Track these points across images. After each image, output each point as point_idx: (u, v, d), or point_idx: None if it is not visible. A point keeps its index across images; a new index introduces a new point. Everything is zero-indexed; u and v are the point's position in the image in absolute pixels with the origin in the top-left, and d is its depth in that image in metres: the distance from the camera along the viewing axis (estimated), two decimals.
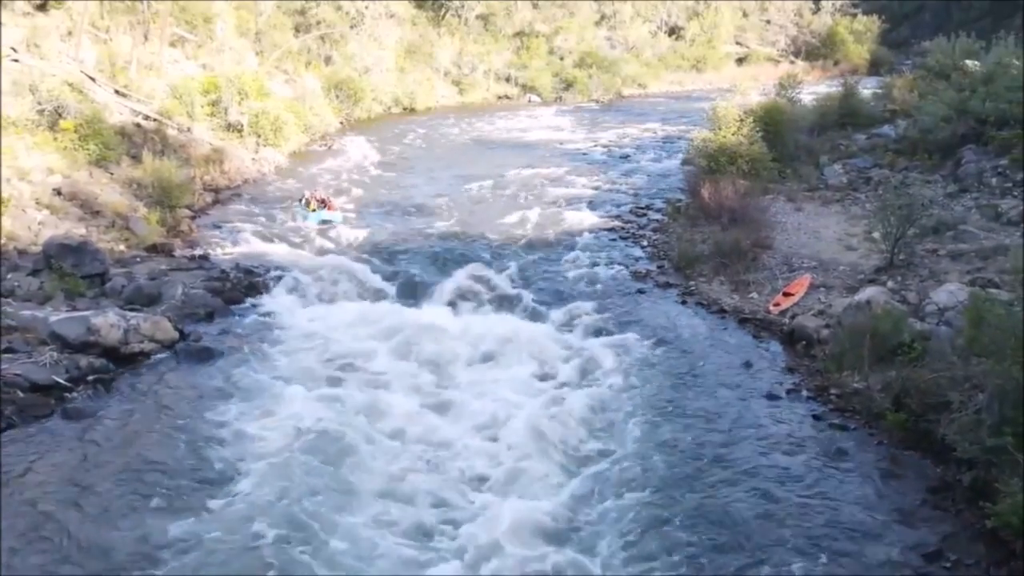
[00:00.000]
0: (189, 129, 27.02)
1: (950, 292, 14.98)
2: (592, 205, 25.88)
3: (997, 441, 10.09)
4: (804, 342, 15.68)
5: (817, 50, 66.42)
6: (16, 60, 23.99)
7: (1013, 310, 12.00)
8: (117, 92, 26.54)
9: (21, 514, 10.37)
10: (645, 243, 22.19)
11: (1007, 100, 22.91)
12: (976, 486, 10.38)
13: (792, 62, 59.88)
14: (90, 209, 20.27)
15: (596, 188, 28.07)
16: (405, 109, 43.21)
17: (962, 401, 11.11)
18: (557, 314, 17.49)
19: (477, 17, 52.56)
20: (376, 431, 12.79)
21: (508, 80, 50.66)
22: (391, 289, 18.76)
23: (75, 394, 13.31)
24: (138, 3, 31.02)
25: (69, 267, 16.67)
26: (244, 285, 18.11)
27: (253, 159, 28.32)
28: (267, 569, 9.68)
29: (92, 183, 21.31)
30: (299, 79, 37.27)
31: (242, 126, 28.80)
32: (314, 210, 23.12)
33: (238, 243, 21.14)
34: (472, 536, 10.40)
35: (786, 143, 26.82)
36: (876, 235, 17.99)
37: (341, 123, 37.70)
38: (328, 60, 41.70)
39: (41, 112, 22.33)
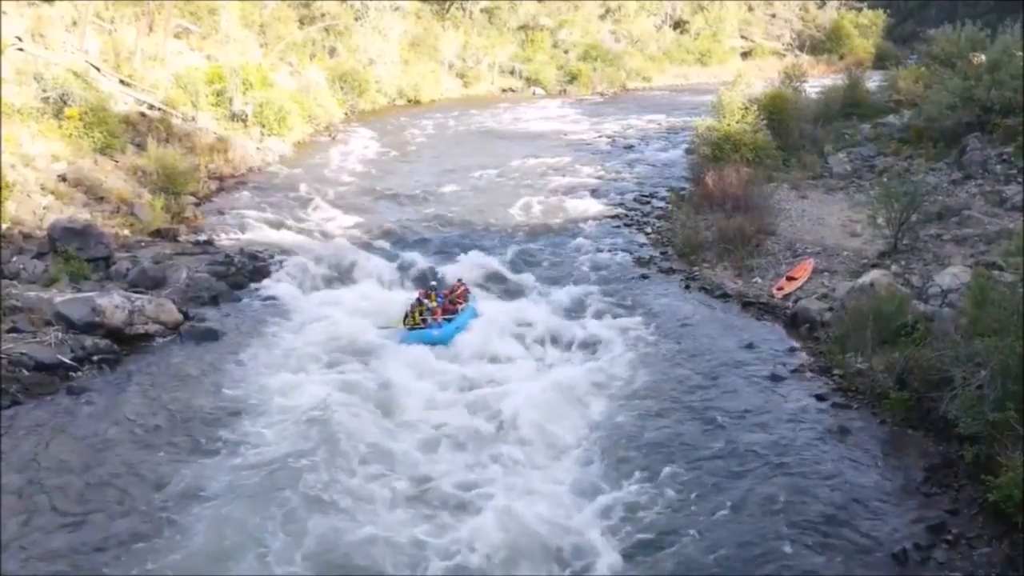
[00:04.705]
0: (194, 118, 27.11)
1: (953, 275, 15.01)
2: (596, 194, 25.92)
3: (999, 416, 10.10)
4: (807, 325, 15.70)
5: (822, 44, 66.33)
6: (21, 49, 24.08)
7: (1016, 289, 12.04)
8: (122, 82, 26.62)
9: (24, 489, 10.41)
10: (649, 230, 22.22)
11: (1012, 88, 22.85)
12: (978, 462, 10.36)
13: (797, 56, 59.68)
14: (95, 195, 20.36)
15: (600, 177, 28.12)
16: (410, 101, 43.24)
17: (964, 378, 11.11)
18: (561, 298, 17.50)
19: (482, 11, 52.60)
20: (377, 413, 12.75)
21: (512, 73, 50.70)
22: (395, 273, 18.81)
23: (80, 373, 13.40)
24: None
25: (74, 250, 16.74)
26: (248, 270, 18.15)
27: (257, 148, 28.40)
28: (254, 553, 9.60)
29: (97, 170, 21.39)
30: (303, 71, 37.33)
31: (246, 116, 28.85)
32: (416, 323, 15.33)
33: (243, 229, 21.21)
34: (468, 525, 10.27)
35: (790, 132, 26.84)
36: (880, 220, 17.98)
37: (346, 115, 37.75)
38: (332, 52, 41.76)
39: (46, 100, 22.43)
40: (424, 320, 15.26)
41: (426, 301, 15.61)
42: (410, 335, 15.07)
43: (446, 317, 15.44)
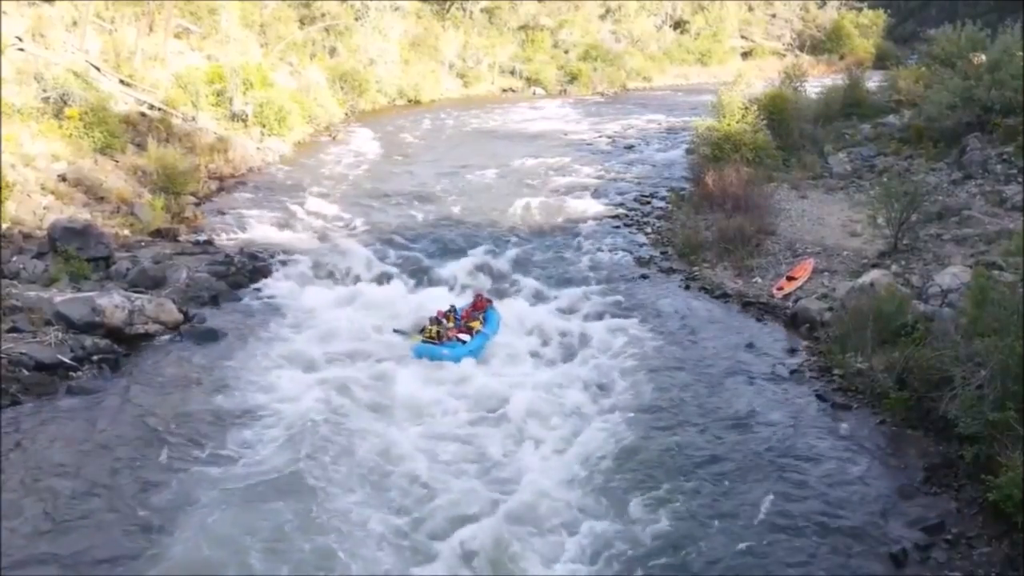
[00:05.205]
0: (194, 118, 27.07)
1: (953, 274, 15.02)
2: (596, 194, 25.91)
3: (999, 415, 10.11)
4: (807, 325, 15.73)
5: (822, 44, 66.23)
6: (22, 49, 24.08)
7: (1016, 289, 12.06)
8: (122, 82, 26.61)
9: (17, 491, 10.37)
10: (649, 230, 22.23)
11: (1012, 88, 22.85)
12: (978, 461, 10.39)
13: (797, 56, 59.62)
14: (95, 195, 20.35)
15: (600, 177, 28.08)
16: (410, 101, 43.16)
17: (964, 377, 11.13)
18: (561, 298, 17.54)
19: (482, 11, 52.53)
20: (374, 424, 12.55)
21: (512, 73, 50.62)
22: (396, 273, 18.79)
23: (80, 373, 13.36)
24: None
25: (74, 250, 16.73)
26: (249, 269, 18.14)
27: (258, 148, 28.35)
28: (234, 571, 9.52)
29: (97, 170, 21.37)
30: (304, 71, 37.32)
31: (246, 116, 28.84)
32: (431, 337, 14.97)
33: (243, 229, 21.17)
34: (466, 524, 10.23)
35: (791, 132, 26.86)
36: (880, 220, 17.99)
37: (346, 114, 37.71)
38: (333, 52, 41.71)
39: (46, 100, 22.41)
40: (439, 336, 14.92)
41: (444, 321, 15.26)
42: (420, 348, 14.74)
43: (460, 338, 15.02)
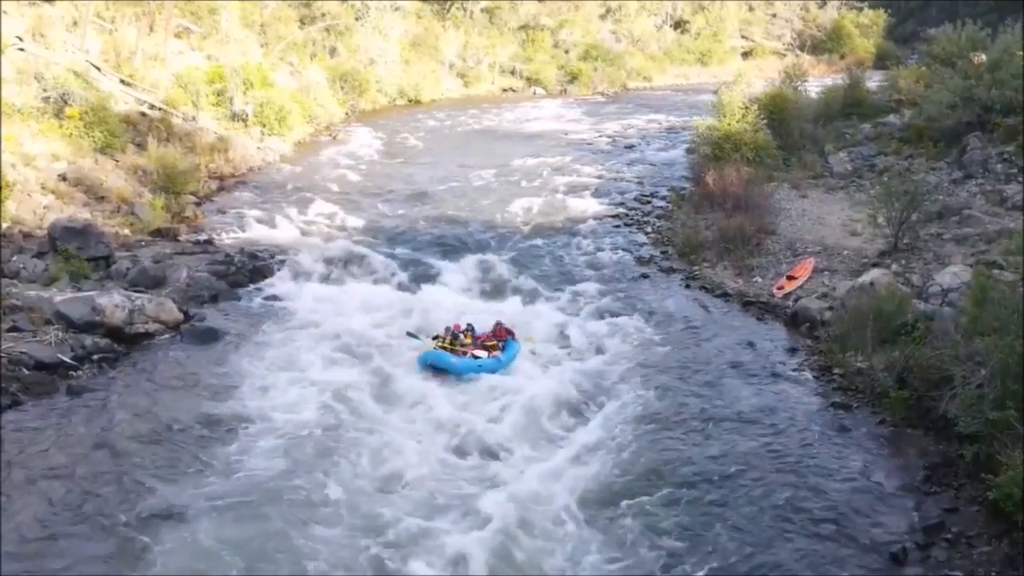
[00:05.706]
0: (194, 118, 27.08)
1: (954, 274, 15.03)
2: (597, 193, 25.92)
3: (999, 414, 10.11)
4: (808, 324, 15.73)
5: (823, 44, 66.18)
6: (22, 49, 24.09)
7: (1017, 288, 12.06)
8: (122, 81, 26.62)
9: (23, 488, 10.36)
10: (649, 230, 22.24)
11: (1012, 88, 22.85)
12: (978, 460, 10.38)
13: (797, 56, 59.57)
14: (95, 195, 20.38)
15: (600, 177, 28.10)
16: (410, 101, 43.16)
17: (964, 376, 11.12)
18: (561, 297, 17.55)
19: (482, 10, 52.52)
20: (377, 412, 12.66)
21: (513, 73, 50.62)
22: (396, 273, 18.78)
23: (80, 372, 13.36)
24: None
25: (74, 249, 16.73)
26: (249, 269, 18.15)
27: (258, 148, 28.38)
28: (255, 549, 9.53)
29: (97, 170, 21.39)
30: (304, 71, 37.33)
31: (247, 116, 28.86)
32: (445, 346, 14.52)
33: (243, 228, 21.19)
34: (465, 525, 10.22)
35: (791, 132, 26.85)
36: (880, 219, 18.00)
37: (346, 114, 37.70)
38: (333, 52, 41.72)
39: (47, 100, 22.44)
40: (452, 348, 14.50)
41: (461, 336, 14.70)
42: (430, 354, 14.27)
43: (475, 354, 14.52)
